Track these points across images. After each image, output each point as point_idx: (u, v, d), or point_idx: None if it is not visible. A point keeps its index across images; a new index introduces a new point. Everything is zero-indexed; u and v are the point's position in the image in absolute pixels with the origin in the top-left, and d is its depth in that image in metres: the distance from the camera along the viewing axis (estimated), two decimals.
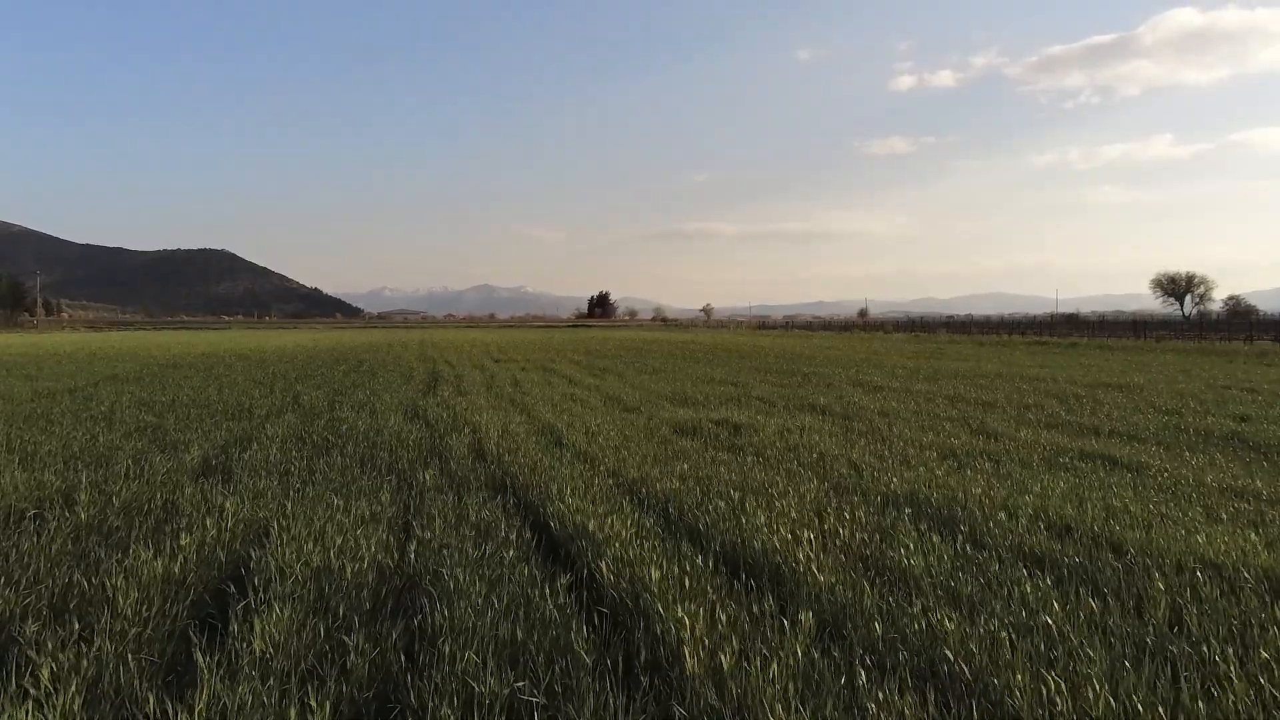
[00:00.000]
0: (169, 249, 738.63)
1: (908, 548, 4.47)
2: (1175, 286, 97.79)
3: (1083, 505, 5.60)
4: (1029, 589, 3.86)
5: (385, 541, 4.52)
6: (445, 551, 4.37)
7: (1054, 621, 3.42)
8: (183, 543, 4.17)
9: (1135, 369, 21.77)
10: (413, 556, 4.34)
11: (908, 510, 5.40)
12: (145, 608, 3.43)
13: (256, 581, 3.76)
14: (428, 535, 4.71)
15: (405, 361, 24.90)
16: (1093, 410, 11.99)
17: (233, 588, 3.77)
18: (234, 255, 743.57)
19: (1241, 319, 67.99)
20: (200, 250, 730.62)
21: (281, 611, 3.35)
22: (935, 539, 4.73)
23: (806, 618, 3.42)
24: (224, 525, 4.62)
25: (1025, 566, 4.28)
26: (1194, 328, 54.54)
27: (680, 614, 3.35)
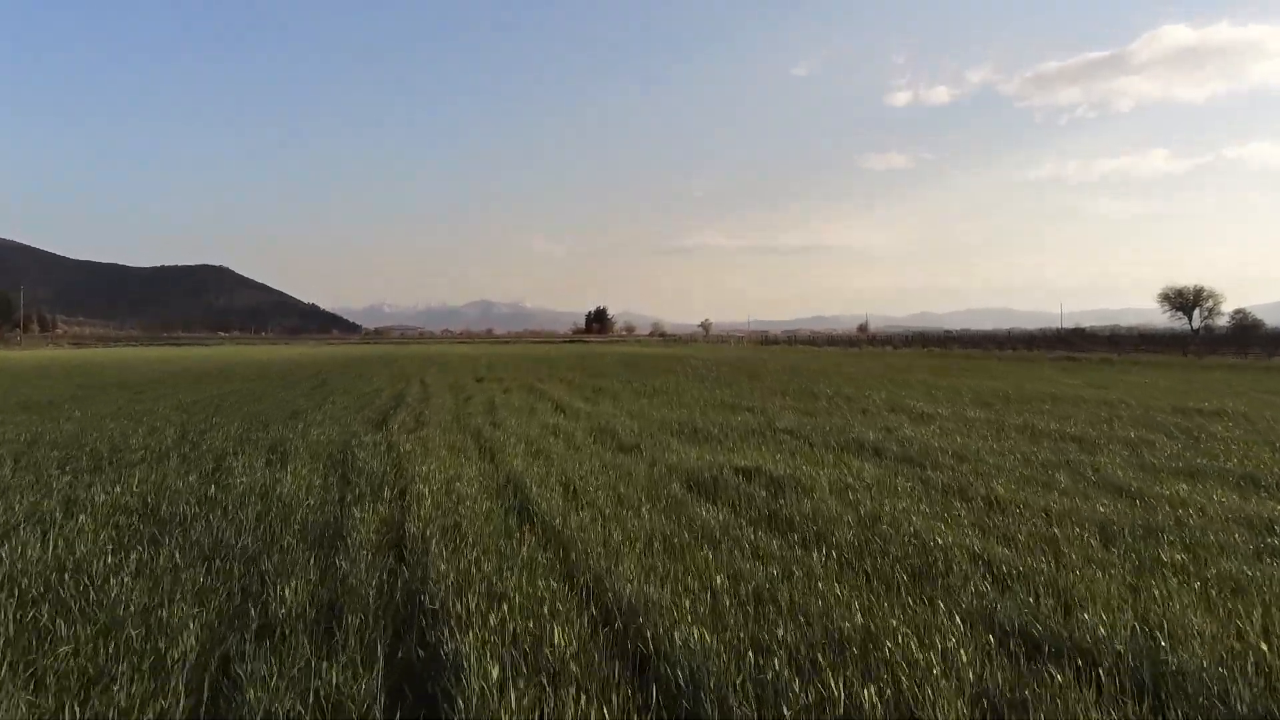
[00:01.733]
0: (167, 265, 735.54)
1: None
2: (1183, 300, 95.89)
3: None
4: None
5: None
6: None
7: None
8: None
9: (1204, 389, 19.07)
10: None
11: None
12: None
13: None
14: None
15: (375, 381, 22.17)
16: (1223, 450, 9.27)
17: None
18: (232, 272, 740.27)
19: (1249, 333, 65.84)
20: (199, 266, 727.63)
21: None
22: None
23: None
24: None
25: None
26: (1232, 342, 51.91)
27: None
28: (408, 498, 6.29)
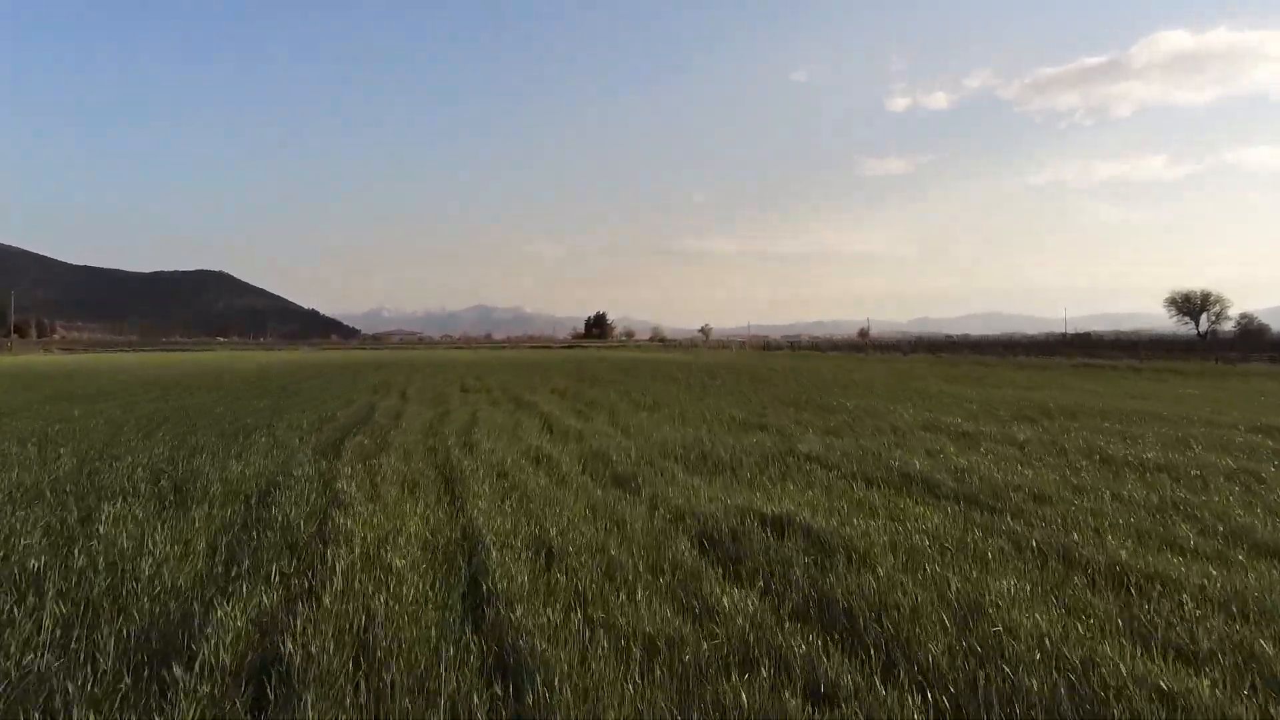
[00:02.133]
0: (167, 270, 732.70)
1: None
2: (1190, 305, 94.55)
3: None
4: None
5: None
6: None
7: None
8: None
9: (1256, 403, 17.35)
10: None
11: None
12: None
13: None
14: None
15: (351, 391, 20.42)
16: None
17: None
18: (232, 276, 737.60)
19: (1254, 337, 64.46)
20: (198, 272, 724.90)
21: None
22: None
23: None
24: None
25: None
26: (1239, 346, 50.28)
27: None
28: (315, 571, 4.57)
